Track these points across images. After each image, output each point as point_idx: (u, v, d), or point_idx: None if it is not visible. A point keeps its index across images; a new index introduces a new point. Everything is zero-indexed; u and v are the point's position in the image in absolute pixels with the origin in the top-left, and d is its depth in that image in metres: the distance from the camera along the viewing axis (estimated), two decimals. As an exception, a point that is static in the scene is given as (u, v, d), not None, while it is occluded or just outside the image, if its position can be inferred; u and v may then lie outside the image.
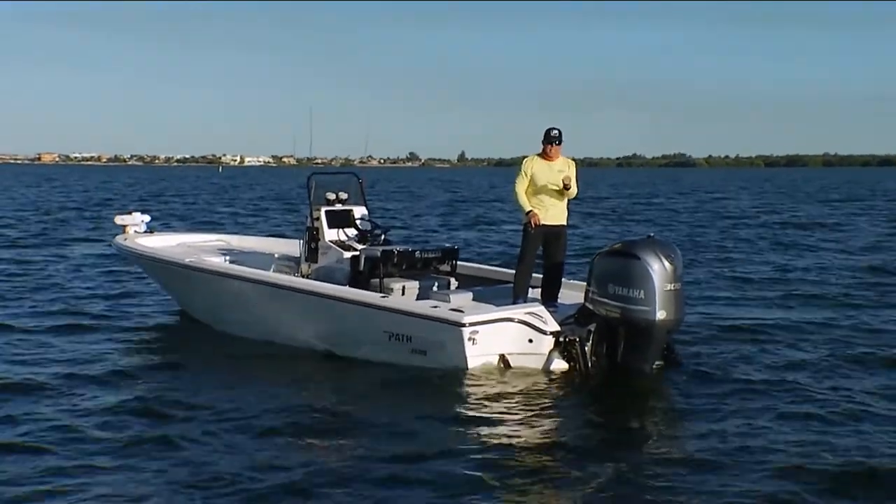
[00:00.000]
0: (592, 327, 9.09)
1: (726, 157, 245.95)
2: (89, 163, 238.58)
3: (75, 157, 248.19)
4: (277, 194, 56.79)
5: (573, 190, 9.92)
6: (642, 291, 8.58)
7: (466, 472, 6.59)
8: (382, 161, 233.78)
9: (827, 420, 7.74)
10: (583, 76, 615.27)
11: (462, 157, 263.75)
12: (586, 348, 9.00)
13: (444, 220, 33.83)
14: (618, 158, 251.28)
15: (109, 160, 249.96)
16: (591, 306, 9.06)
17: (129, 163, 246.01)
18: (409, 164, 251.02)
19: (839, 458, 6.84)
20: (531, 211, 9.84)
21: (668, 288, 8.60)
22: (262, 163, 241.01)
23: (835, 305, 13.52)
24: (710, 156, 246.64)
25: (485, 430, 7.52)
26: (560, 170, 9.91)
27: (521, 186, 9.94)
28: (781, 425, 7.60)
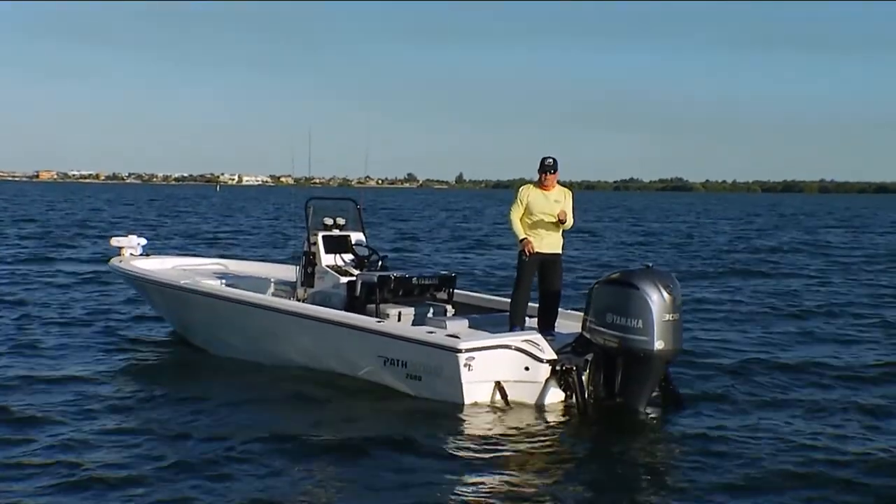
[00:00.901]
0: (590, 357, 9.02)
1: (723, 181, 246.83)
2: (87, 181, 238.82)
3: (73, 175, 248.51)
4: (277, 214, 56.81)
5: (569, 222, 9.92)
6: (641, 321, 8.53)
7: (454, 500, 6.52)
8: (381, 181, 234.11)
9: (832, 462, 7.60)
10: (581, 98, 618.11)
11: (460, 178, 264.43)
12: (583, 377, 8.91)
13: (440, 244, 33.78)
14: (615, 182, 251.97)
15: (108, 178, 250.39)
16: (588, 335, 9.01)
17: (128, 181, 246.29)
18: (408, 184, 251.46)
19: None
20: (525, 238, 9.82)
21: (667, 318, 8.55)
22: (259, 182, 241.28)
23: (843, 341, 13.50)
24: (707, 180, 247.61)
25: (477, 459, 7.45)
26: (556, 199, 9.88)
27: (517, 214, 9.91)
28: (781, 463, 7.52)
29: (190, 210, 62.56)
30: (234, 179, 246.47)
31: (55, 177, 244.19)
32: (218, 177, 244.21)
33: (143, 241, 13.64)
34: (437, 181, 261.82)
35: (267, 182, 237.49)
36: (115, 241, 13.61)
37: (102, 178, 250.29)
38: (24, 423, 8.35)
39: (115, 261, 13.17)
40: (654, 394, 9.08)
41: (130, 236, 13.69)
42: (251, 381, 10.14)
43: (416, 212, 66.93)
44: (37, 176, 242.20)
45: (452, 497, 6.65)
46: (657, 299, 8.54)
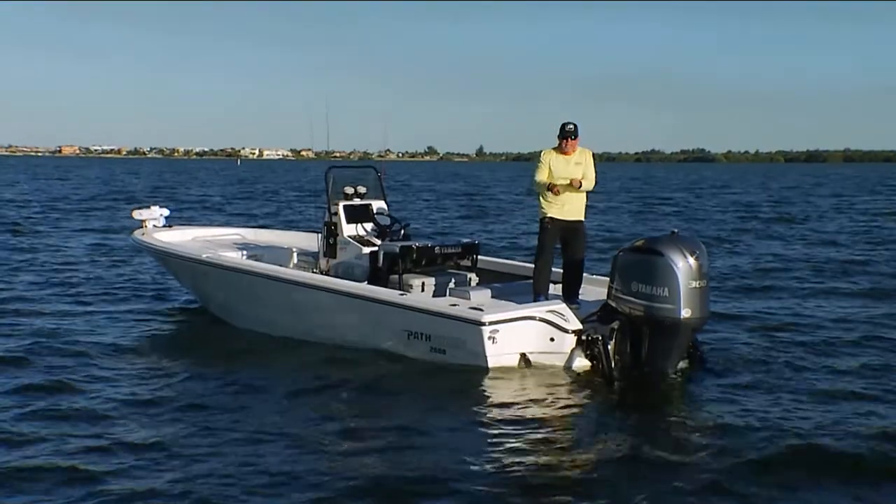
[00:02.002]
0: (615, 325, 8.90)
1: (745, 152, 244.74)
2: (109, 155, 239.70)
3: (95, 150, 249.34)
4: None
5: (588, 183, 9.73)
6: (667, 289, 8.40)
7: (483, 474, 6.46)
8: (401, 155, 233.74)
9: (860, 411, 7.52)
10: (602, 70, 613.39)
11: (480, 151, 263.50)
12: (609, 347, 8.80)
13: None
14: (636, 153, 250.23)
15: (129, 153, 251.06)
16: (614, 304, 8.88)
17: (149, 155, 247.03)
18: (428, 157, 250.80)
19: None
20: (551, 183, 9.57)
21: (693, 285, 8.41)
22: (280, 156, 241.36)
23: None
24: (729, 151, 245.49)
25: (504, 432, 7.36)
26: (577, 162, 9.71)
27: (542, 175, 9.71)
28: (813, 429, 7.40)
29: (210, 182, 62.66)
30: (255, 153, 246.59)
31: (77, 151, 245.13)
32: (239, 151, 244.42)
33: (166, 212, 13.55)
34: (458, 154, 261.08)
35: (288, 156, 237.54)
36: (136, 214, 13.52)
37: (124, 152, 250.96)
38: (46, 392, 8.39)
39: (137, 233, 13.10)
40: (682, 363, 8.96)
41: (153, 208, 13.59)
42: (273, 355, 10.09)
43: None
44: (59, 151, 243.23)
45: (476, 468, 6.57)
46: (683, 266, 8.39)
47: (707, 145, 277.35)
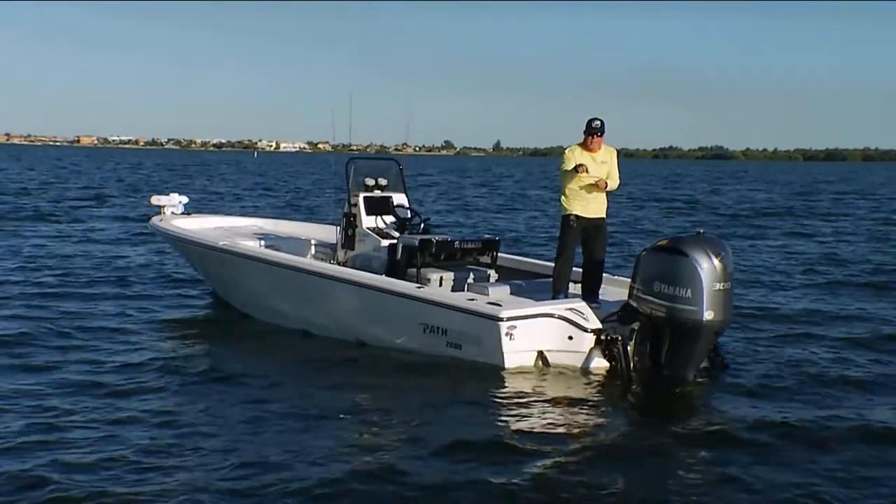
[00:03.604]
0: (636, 326, 8.73)
1: (764, 150, 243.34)
2: (127, 146, 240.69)
3: (113, 140, 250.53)
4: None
5: (613, 182, 9.62)
6: (690, 290, 8.23)
7: (497, 472, 6.35)
8: (418, 149, 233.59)
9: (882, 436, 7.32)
10: (619, 66, 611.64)
11: (497, 146, 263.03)
12: (628, 348, 8.64)
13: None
14: (654, 150, 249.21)
15: (147, 143, 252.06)
16: (635, 304, 8.73)
17: (167, 146, 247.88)
18: (444, 151, 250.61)
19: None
20: (581, 165, 9.37)
21: (717, 287, 8.24)
22: (297, 148, 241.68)
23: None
24: (747, 148, 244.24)
25: (519, 432, 7.23)
26: (603, 160, 9.58)
27: (569, 166, 9.49)
28: (838, 436, 7.24)
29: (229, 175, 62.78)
30: (271, 146, 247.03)
31: (95, 142, 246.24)
32: (256, 143, 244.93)
33: (185, 200, 13.51)
34: (475, 148, 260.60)
35: (304, 149, 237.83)
36: (155, 200, 13.46)
37: (142, 143, 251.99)
38: (59, 383, 8.33)
39: (155, 219, 13.04)
40: (703, 365, 8.81)
41: (172, 195, 13.55)
42: (286, 346, 10.04)
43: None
44: (77, 141, 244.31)
45: (490, 468, 6.45)
46: (707, 267, 8.23)
47: (725, 142, 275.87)
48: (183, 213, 13.32)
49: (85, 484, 5.99)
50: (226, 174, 64.40)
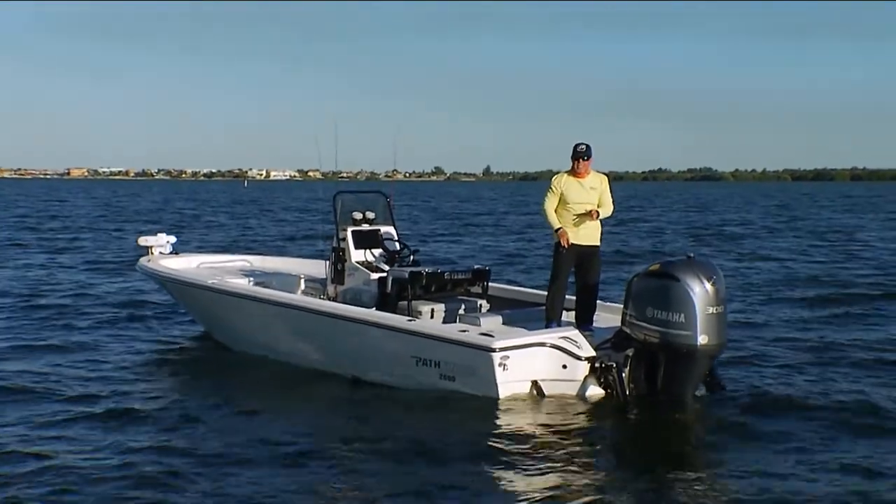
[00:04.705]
0: (630, 352, 8.66)
1: (753, 170, 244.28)
2: (117, 177, 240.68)
3: (104, 172, 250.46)
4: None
5: (605, 209, 9.58)
6: (683, 315, 8.18)
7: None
8: (408, 175, 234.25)
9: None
10: (608, 88, 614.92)
11: (487, 171, 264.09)
12: (623, 375, 8.56)
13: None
14: (643, 172, 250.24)
15: (137, 174, 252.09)
16: (628, 330, 8.66)
17: (157, 177, 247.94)
18: (435, 177, 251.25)
19: None
20: (560, 229, 9.48)
21: (711, 311, 8.19)
22: (287, 177, 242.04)
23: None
24: (736, 169, 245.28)
25: (513, 461, 7.16)
26: (592, 186, 9.54)
27: (551, 204, 9.57)
28: (837, 467, 7.12)
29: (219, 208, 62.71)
30: (262, 174, 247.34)
31: (86, 174, 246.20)
32: (246, 172, 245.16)
33: (173, 240, 13.38)
34: (465, 174, 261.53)
35: (295, 177, 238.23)
36: (142, 240, 13.33)
37: (132, 174, 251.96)
38: (44, 423, 8.21)
39: (143, 260, 12.92)
40: (699, 390, 8.75)
41: (159, 235, 13.42)
42: (278, 382, 9.94)
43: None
44: (68, 173, 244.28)
45: (487, 498, 6.37)
46: (700, 291, 8.18)
47: (714, 164, 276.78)
48: (171, 253, 13.21)
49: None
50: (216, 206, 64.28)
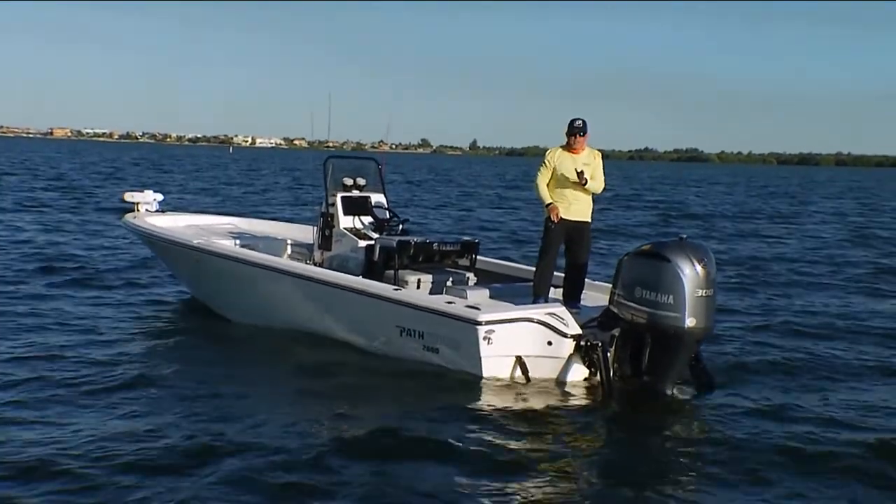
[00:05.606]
0: (616, 332, 8.59)
1: (738, 153, 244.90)
2: (101, 139, 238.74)
3: (87, 133, 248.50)
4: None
5: (597, 184, 9.46)
6: (672, 296, 8.09)
7: (470, 478, 6.27)
8: (394, 147, 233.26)
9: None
10: (596, 67, 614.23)
11: (474, 144, 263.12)
12: (608, 354, 8.47)
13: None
14: (630, 151, 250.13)
15: (121, 137, 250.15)
16: (615, 310, 8.57)
17: (141, 140, 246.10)
18: (421, 150, 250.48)
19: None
20: (551, 204, 9.37)
21: (700, 294, 8.10)
22: (273, 144, 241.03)
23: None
24: (722, 151, 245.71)
25: (493, 438, 7.10)
26: (585, 162, 9.42)
27: (543, 179, 9.46)
28: (811, 450, 7.10)
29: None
30: (247, 141, 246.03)
31: (69, 134, 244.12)
32: (231, 138, 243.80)
33: (160, 197, 13.19)
34: (451, 147, 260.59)
35: (280, 144, 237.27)
36: (129, 196, 13.12)
37: (116, 136, 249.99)
38: (31, 392, 8.03)
39: (128, 216, 12.77)
40: (684, 374, 8.69)
41: (146, 191, 13.23)
42: (259, 348, 9.88)
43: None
44: (51, 133, 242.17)
45: (466, 479, 6.30)
46: (690, 273, 8.09)
47: (700, 145, 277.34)
48: (157, 211, 13.06)
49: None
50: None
